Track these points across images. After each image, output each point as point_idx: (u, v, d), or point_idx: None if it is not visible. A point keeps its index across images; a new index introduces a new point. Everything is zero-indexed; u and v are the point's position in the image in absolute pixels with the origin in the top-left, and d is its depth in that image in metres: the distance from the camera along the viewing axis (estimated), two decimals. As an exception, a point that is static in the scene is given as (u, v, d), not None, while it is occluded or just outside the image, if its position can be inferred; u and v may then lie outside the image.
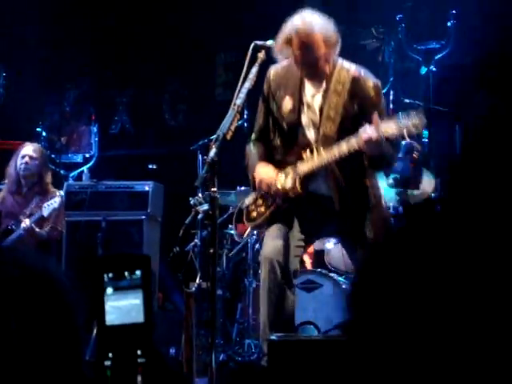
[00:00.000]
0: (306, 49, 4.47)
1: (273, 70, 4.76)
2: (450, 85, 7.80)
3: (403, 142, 6.20)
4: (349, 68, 4.61)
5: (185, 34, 9.39)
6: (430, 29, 7.93)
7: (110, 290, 1.95)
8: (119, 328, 1.90)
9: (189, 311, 4.67)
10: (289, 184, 4.65)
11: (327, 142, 4.54)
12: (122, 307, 1.93)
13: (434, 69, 7.56)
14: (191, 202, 5.17)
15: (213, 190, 4.15)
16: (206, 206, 4.55)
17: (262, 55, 4.54)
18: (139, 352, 1.89)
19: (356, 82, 4.55)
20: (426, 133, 7.29)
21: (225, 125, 4.34)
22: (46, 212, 6.52)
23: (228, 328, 6.84)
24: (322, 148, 4.54)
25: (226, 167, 4.81)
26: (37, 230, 6.58)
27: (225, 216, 6.62)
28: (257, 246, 6.64)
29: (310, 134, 4.64)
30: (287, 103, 4.69)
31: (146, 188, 7.66)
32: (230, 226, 6.82)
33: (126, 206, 7.62)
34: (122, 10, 9.38)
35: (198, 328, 5.66)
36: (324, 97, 4.60)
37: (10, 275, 1.35)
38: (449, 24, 7.66)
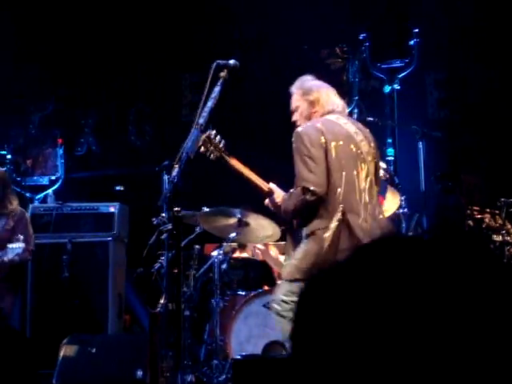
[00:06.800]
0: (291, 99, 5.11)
1: None
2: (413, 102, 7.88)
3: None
4: None
5: (151, 55, 9.39)
6: (394, 47, 7.99)
7: None
8: None
9: (154, 332, 4.63)
10: None
11: None
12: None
13: (397, 87, 7.61)
14: (154, 222, 5.15)
15: (176, 209, 4.13)
16: (169, 226, 4.53)
17: (224, 74, 4.55)
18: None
19: None
20: (391, 151, 7.34)
21: (188, 144, 4.34)
22: (7, 256, 6.40)
23: (196, 349, 6.79)
24: None
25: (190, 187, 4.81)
26: (5, 259, 6.44)
27: (192, 236, 6.60)
28: (223, 265, 6.63)
29: None
30: None
31: (112, 209, 7.62)
32: (196, 246, 6.79)
33: (91, 228, 7.57)
34: (86, 31, 9.35)
35: (165, 349, 5.62)
36: None
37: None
38: (412, 42, 7.73)
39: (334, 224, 4.70)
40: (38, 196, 9.18)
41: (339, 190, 4.75)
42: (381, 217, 4.98)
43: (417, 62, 7.75)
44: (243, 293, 6.69)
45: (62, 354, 6.14)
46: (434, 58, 8.26)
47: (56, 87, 9.64)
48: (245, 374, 3.78)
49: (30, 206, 7.96)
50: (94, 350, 6.15)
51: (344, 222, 4.70)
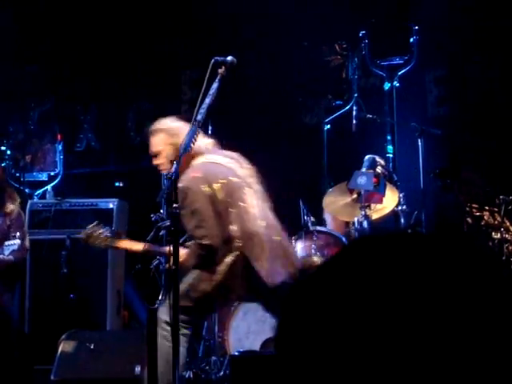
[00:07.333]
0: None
1: None
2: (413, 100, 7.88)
3: (366, 157, 6.25)
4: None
5: (150, 51, 9.38)
6: (393, 45, 7.98)
7: None
8: None
9: (152, 328, 4.63)
10: None
11: None
12: None
13: (397, 84, 7.61)
14: (153, 219, 5.15)
15: (174, 205, 4.13)
16: (168, 223, 4.52)
17: (222, 71, 4.55)
18: None
19: None
20: (390, 148, 7.34)
21: (186, 141, 4.35)
22: (3, 254, 6.37)
23: (194, 345, 6.79)
24: None
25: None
26: (0, 256, 6.42)
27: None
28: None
29: None
30: None
31: (111, 205, 7.62)
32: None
33: (90, 224, 7.56)
34: (87, 27, 9.35)
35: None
36: None
37: None
38: (411, 40, 7.72)
39: (229, 259, 4.69)
40: (37, 192, 9.17)
41: (232, 227, 4.71)
42: (276, 238, 4.88)
43: (416, 59, 7.75)
44: (242, 289, 6.68)
45: (60, 349, 6.14)
46: (434, 56, 8.25)
47: (56, 83, 9.63)
48: (243, 371, 3.78)
49: (29, 201, 7.95)
50: (92, 346, 6.16)
51: (240, 256, 4.69)
